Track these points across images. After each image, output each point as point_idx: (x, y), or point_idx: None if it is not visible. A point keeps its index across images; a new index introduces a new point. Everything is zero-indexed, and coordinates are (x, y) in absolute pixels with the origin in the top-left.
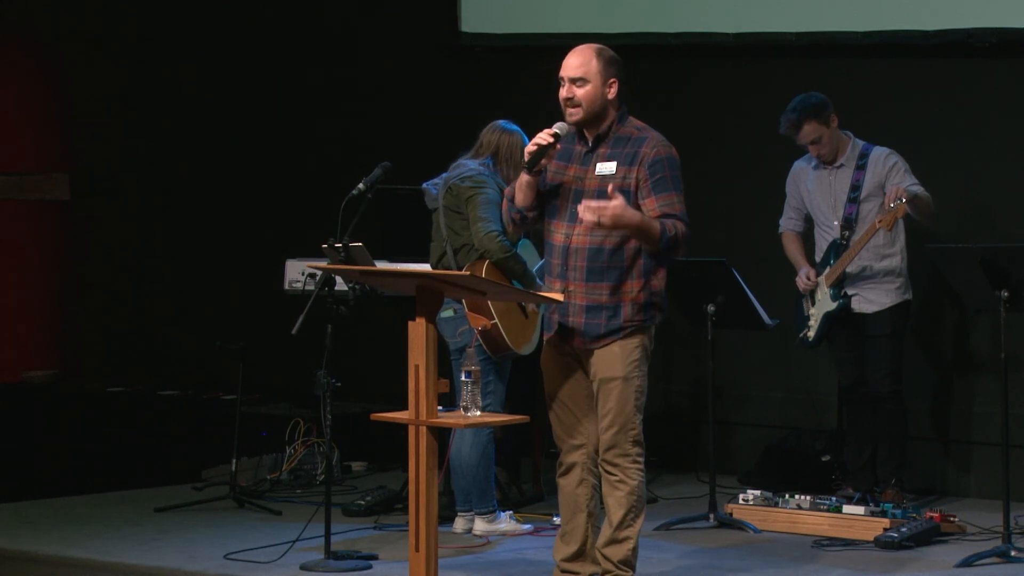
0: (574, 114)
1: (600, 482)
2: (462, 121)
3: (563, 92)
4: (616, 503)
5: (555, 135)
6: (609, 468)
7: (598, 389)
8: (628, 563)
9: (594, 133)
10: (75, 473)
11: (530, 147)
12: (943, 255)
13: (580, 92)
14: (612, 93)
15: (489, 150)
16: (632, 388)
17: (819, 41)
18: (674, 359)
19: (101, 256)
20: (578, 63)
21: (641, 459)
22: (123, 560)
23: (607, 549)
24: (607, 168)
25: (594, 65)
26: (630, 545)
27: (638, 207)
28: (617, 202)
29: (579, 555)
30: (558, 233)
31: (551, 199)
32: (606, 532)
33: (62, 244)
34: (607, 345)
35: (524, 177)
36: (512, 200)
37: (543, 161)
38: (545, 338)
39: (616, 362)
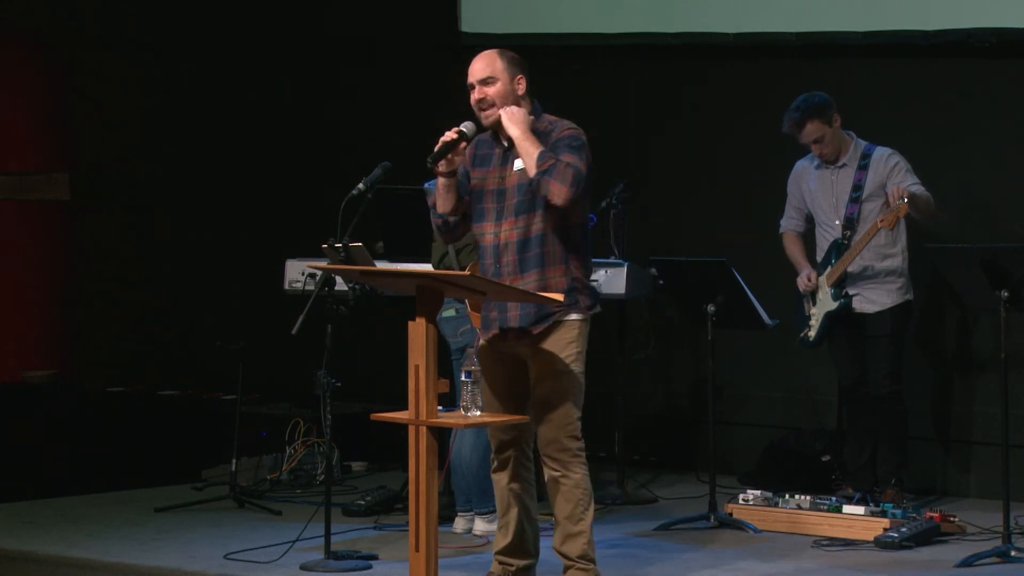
0: (490, 115)
1: (535, 477)
2: (462, 121)
3: (474, 96)
4: (563, 498)
5: (460, 133)
6: (549, 463)
7: (534, 386)
8: (587, 557)
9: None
10: (75, 473)
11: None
12: (943, 255)
13: (491, 91)
14: (521, 89)
15: None
16: (566, 384)
17: (819, 41)
18: (674, 359)
19: (101, 256)
20: (482, 65)
21: (582, 453)
22: (123, 560)
23: (564, 547)
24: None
25: (499, 64)
26: (585, 539)
27: None
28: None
29: (512, 548)
30: (488, 234)
31: (476, 205)
32: (558, 531)
33: (62, 244)
34: (542, 337)
35: (440, 180)
36: (434, 207)
37: (456, 159)
38: (483, 338)
39: (549, 358)
